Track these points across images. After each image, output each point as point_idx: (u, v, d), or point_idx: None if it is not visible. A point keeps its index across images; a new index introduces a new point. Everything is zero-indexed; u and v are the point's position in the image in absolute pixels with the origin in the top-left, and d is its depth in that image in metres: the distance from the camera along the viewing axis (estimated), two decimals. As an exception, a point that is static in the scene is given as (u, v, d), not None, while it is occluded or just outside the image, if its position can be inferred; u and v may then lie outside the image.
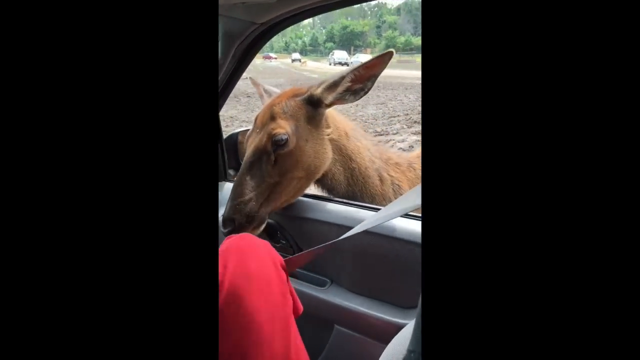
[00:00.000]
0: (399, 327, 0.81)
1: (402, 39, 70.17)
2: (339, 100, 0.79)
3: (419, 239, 0.79)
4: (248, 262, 0.59)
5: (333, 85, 0.78)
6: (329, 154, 0.83)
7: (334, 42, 69.14)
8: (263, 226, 0.83)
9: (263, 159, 0.77)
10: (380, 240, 0.79)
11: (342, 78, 0.77)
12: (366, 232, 0.70)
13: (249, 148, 0.80)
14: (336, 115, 0.92)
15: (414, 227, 0.80)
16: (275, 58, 35.89)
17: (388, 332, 0.77)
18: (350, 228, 0.76)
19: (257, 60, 32.32)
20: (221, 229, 0.78)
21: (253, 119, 0.89)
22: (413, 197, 0.64)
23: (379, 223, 0.67)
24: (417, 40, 68.50)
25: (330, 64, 29.55)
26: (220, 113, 1.10)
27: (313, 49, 69.60)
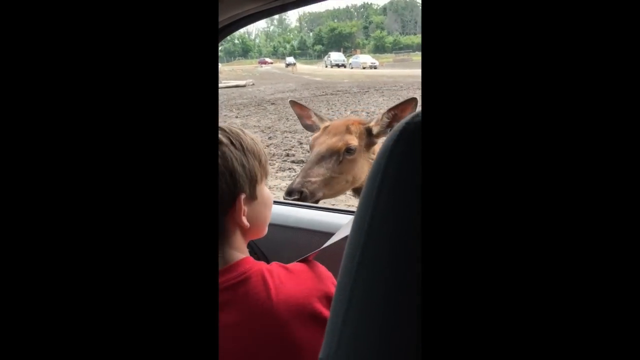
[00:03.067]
0: None
1: (391, 38, 70.30)
2: (382, 133, 1.10)
3: None
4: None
5: (378, 122, 1.11)
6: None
7: (323, 45, 68.90)
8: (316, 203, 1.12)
9: (333, 157, 1.05)
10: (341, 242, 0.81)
11: (381, 119, 1.09)
12: (323, 234, 0.84)
13: (319, 145, 1.08)
14: None
15: None
16: (272, 62, 35.13)
17: None
18: (317, 232, 0.98)
19: (252, 66, 31.66)
20: (285, 197, 1.03)
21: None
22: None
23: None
24: (406, 39, 68.73)
25: (326, 66, 29.10)
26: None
27: (302, 52, 69.20)
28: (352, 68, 25.62)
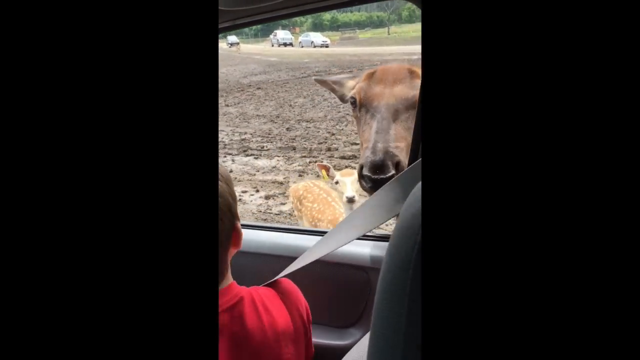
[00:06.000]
0: (334, 348, 0.90)
1: (328, 16, 69.23)
2: None
3: (348, 261, 0.90)
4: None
5: None
6: None
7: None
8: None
9: (411, 111, 0.77)
10: (311, 264, 0.78)
11: None
12: (287, 259, 0.78)
13: (382, 98, 0.77)
14: None
15: (345, 249, 0.80)
16: (214, 42, 32.57)
17: (326, 355, 0.79)
18: (281, 257, 0.92)
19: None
20: (369, 174, 0.75)
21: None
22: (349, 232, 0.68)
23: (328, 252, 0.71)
24: (343, 17, 68.16)
25: (272, 45, 27.75)
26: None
27: (237, 31, 65.67)
28: (302, 47, 24.65)
